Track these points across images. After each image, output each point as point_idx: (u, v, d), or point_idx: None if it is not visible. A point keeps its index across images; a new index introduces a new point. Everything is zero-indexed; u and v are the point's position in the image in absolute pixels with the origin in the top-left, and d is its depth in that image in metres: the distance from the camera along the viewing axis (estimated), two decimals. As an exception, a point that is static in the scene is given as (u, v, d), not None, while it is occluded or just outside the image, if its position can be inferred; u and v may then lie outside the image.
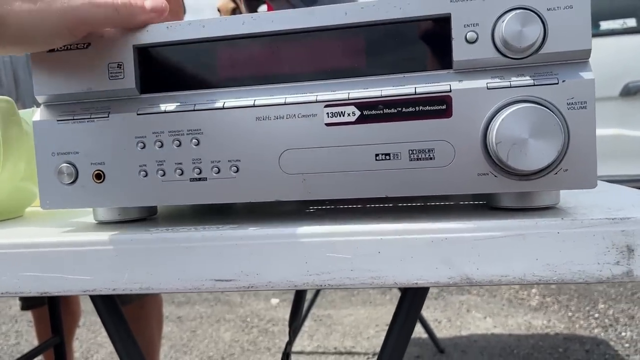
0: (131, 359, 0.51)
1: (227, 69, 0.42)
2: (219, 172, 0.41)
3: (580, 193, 0.48)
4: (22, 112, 0.59)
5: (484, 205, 0.45)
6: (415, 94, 0.38)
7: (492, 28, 0.37)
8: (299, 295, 1.07)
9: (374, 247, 0.38)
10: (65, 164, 0.43)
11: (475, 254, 0.37)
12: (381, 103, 0.39)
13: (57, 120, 0.43)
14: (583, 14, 0.37)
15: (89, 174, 0.43)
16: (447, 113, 0.38)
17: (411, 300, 0.46)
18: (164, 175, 0.42)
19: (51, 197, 0.44)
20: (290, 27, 0.40)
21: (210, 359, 2.04)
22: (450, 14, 0.38)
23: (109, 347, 2.17)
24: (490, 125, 0.37)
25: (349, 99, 0.39)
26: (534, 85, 0.37)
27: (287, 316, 2.32)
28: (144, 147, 0.42)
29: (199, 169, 0.42)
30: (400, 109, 0.39)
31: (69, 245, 0.41)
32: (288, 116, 0.40)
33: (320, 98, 0.40)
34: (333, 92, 0.40)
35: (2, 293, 0.42)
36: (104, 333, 2.25)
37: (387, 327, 0.46)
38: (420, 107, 0.38)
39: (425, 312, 2.25)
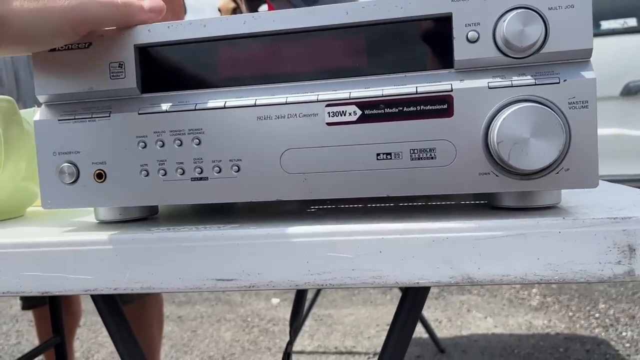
0: (132, 358, 0.51)
1: (228, 69, 0.42)
2: (220, 171, 0.41)
3: (581, 192, 0.48)
4: (23, 112, 0.59)
5: (485, 205, 0.45)
6: (417, 93, 0.38)
7: (493, 27, 0.37)
8: (300, 294, 1.07)
9: (375, 247, 0.38)
10: (66, 164, 0.43)
11: (477, 254, 0.37)
12: (382, 102, 0.39)
13: (59, 120, 0.43)
14: (584, 13, 0.37)
15: (90, 174, 0.43)
16: (448, 112, 0.38)
17: (412, 300, 0.46)
18: (165, 174, 0.42)
19: (52, 197, 0.44)
20: (291, 27, 0.40)
21: (211, 358, 2.04)
22: (451, 13, 0.38)
23: (110, 346, 2.17)
24: (492, 124, 0.37)
25: (350, 99, 0.39)
26: (535, 84, 0.37)
27: (288, 316, 2.32)
28: (145, 146, 0.42)
29: (200, 168, 0.42)
30: (401, 108, 0.39)
31: (70, 244, 0.41)
32: (289, 116, 0.40)
33: (321, 97, 0.40)
34: (334, 92, 0.40)
35: (3, 292, 0.42)
36: (105, 333, 2.25)
37: (387, 327, 0.46)
38: (422, 107, 0.38)
39: (426, 312, 2.25)
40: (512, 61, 0.38)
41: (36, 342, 1.45)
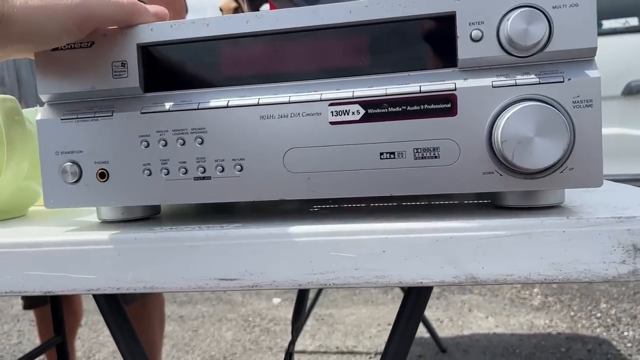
0: (135, 358, 0.51)
1: (231, 68, 0.42)
2: (223, 170, 0.41)
3: (585, 192, 0.48)
4: (26, 112, 0.59)
5: (489, 204, 0.44)
6: (420, 92, 0.38)
7: (497, 26, 0.37)
8: (302, 294, 1.07)
9: (378, 246, 0.38)
10: (69, 163, 0.43)
11: (481, 253, 0.37)
12: (386, 101, 0.39)
13: (61, 119, 0.43)
14: (589, 12, 0.36)
15: (93, 173, 0.43)
16: (452, 111, 0.38)
17: (415, 299, 0.45)
18: (167, 174, 0.42)
19: (55, 196, 0.44)
20: (294, 26, 0.40)
21: (212, 358, 2.04)
22: (455, 12, 0.38)
23: (111, 346, 2.18)
24: (496, 123, 0.37)
25: (353, 98, 0.39)
26: (540, 83, 0.37)
27: (289, 315, 2.32)
28: (147, 145, 0.42)
29: (203, 167, 0.41)
30: (405, 107, 0.38)
31: (73, 244, 0.41)
32: (292, 115, 0.40)
33: (324, 97, 0.39)
34: (337, 91, 0.40)
35: (6, 292, 0.42)
36: (106, 332, 2.25)
37: (389, 327, 0.46)
38: (425, 106, 0.38)
39: (428, 312, 2.25)
40: (516, 60, 0.38)
41: (37, 342, 1.45)
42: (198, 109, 0.41)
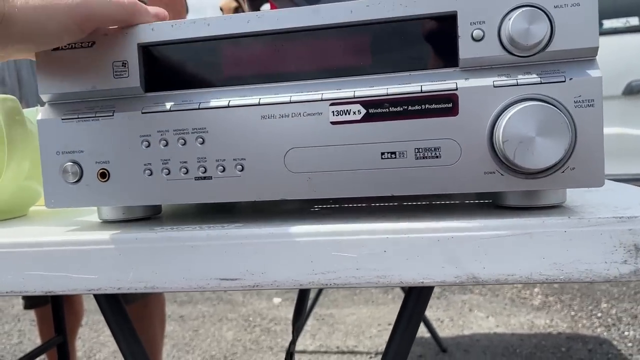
0: (135, 358, 0.51)
1: (232, 68, 0.42)
2: (224, 170, 0.41)
3: (586, 191, 0.48)
4: (26, 112, 0.59)
5: (490, 204, 0.44)
6: (421, 92, 0.38)
7: (498, 26, 0.37)
8: (303, 294, 1.07)
9: (379, 246, 0.38)
10: (69, 163, 0.43)
11: (482, 253, 0.37)
12: (387, 101, 0.39)
13: (62, 119, 0.43)
14: (590, 11, 0.36)
15: (94, 173, 0.43)
16: (453, 111, 0.38)
17: (416, 299, 0.45)
18: (168, 174, 0.42)
19: (56, 196, 0.44)
20: (295, 26, 0.40)
21: (213, 358, 2.04)
22: (456, 11, 0.38)
23: (112, 346, 2.18)
24: (497, 123, 0.37)
25: (354, 97, 0.39)
26: (541, 83, 0.37)
27: (290, 315, 2.32)
28: (148, 145, 0.42)
29: (204, 167, 0.41)
30: (406, 107, 0.38)
31: (74, 244, 0.41)
32: (293, 115, 0.40)
33: (325, 96, 0.39)
34: (338, 91, 0.40)
35: (7, 292, 0.42)
36: (107, 332, 2.25)
37: (389, 326, 0.46)
38: (426, 106, 0.38)
39: (428, 312, 2.25)
40: (517, 60, 0.38)
41: (38, 342, 1.45)
42: (199, 108, 0.41)
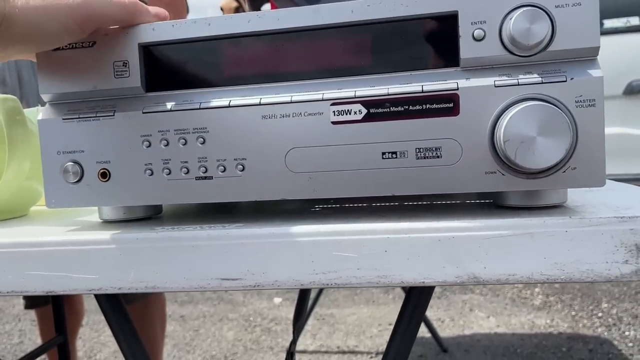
0: (136, 358, 0.51)
1: (233, 67, 0.42)
2: (224, 170, 0.41)
3: (587, 191, 0.48)
4: (27, 111, 0.59)
5: (491, 204, 0.44)
6: (422, 92, 0.38)
7: (499, 25, 0.37)
8: (303, 294, 1.07)
9: (380, 246, 0.38)
10: (70, 163, 0.43)
11: (483, 253, 0.37)
12: (388, 101, 0.39)
13: (63, 119, 0.43)
14: (591, 11, 0.36)
15: (95, 173, 0.43)
16: (454, 111, 0.38)
17: (416, 299, 0.45)
18: (169, 173, 0.42)
19: (56, 196, 0.44)
20: (296, 26, 0.40)
21: (213, 358, 2.04)
22: (457, 11, 0.38)
23: (112, 346, 2.18)
24: (498, 123, 0.37)
25: (355, 97, 0.39)
26: (542, 83, 0.37)
27: (290, 315, 2.32)
28: (149, 145, 0.42)
29: (205, 167, 0.41)
30: (407, 107, 0.38)
31: (74, 244, 0.41)
32: (294, 114, 0.40)
33: (326, 96, 0.39)
34: (339, 90, 0.40)
35: (7, 292, 0.42)
36: (107, 332, 2.25)
37: (390, 326, 0.46)
38: (427, 105, 0.38)
39: (429, 312, 2.25)
40: (518, 59, 0.38)
41: (39, 342, 1.45)
42: (200, 108, 0.41)
